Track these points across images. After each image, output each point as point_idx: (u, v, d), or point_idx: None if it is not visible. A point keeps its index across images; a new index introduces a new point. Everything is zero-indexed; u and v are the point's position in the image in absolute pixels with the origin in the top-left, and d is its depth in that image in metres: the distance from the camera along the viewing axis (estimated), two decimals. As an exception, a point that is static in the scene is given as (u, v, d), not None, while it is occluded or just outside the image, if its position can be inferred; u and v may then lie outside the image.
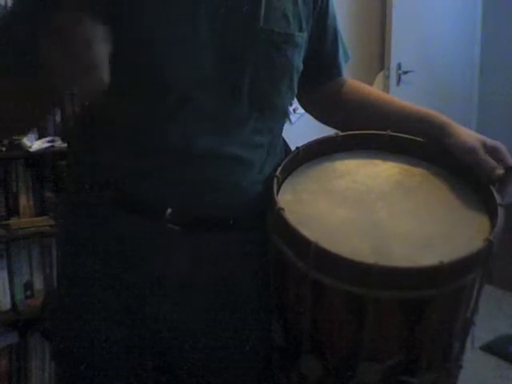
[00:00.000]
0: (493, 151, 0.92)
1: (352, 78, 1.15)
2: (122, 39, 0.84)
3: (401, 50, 3.12)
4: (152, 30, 0.85)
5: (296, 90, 1.00)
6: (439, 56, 3.34)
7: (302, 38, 0.97)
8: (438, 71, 3.37)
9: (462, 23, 3.56)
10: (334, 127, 1.08)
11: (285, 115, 1.02)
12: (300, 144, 0.97)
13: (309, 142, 0.96)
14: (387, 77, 3.12)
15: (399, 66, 3.16)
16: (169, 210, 0.90)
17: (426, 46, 3.28)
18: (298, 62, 0.98)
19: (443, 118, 1.00)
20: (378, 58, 3.17)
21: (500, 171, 0.90)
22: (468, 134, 0.95)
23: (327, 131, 1.11)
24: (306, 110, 1.18)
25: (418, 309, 0.78)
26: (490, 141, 0.94)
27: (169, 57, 0.86)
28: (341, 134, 0.99)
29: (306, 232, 0.77)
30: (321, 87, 1.12)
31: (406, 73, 3.17)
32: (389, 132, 0.98)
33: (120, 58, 0.86)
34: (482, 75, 3.75)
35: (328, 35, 1.06)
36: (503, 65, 3.69)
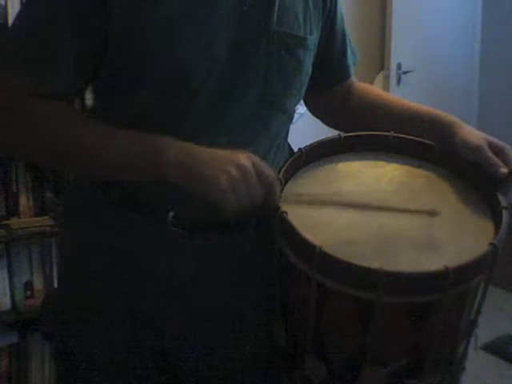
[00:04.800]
0: (498, 152, 0.91)
1: (352, 79, 1.14)
2: (140, 37, 0.84)
3: (401, 49, 3.12)
4: (169, 28, 0.85)
5: (303, 94, 1.00)
6: (439, 56, 3.33)
7: (312, 41, 0.98)
8: (438, 71, 3.37)
9: (462, 23, 3.56)
10: (345, 131, 1.07)
11: (291, 118, 1.02)
12: (299, 143, 0.96)
13: (311, 144, 0.95)
14: (387, 77, 3.12)
15: (399, 66, 3.15)
16: (171, 214, 0.90)
17: (426, 46, 3.27)
18: (308, 65, 0.98)
19: (451, 117, 0.99)
20: (378, 58, 3.17)
21: (504, 170, 0.89)
22: (474, 133, 0.95)
23: (326, 130, 1.11)
24: (315, 115, 1.17)
25: (422, 312, 0.78)
26: (496, 141, 0.93)
27: (184, 53, 0.86)
28: (344, 135, 0.98)
29: (309, 236, 0.77)
30: (330, 90, 1.12)
31: (406, 73, 3.17)
32: (392, 133, 0.98)
33: (135, 56, 0.85)
34: (482, 75, 3.74)
35: (337, 38, 1.07)
36: (503, 65, 3.68)
